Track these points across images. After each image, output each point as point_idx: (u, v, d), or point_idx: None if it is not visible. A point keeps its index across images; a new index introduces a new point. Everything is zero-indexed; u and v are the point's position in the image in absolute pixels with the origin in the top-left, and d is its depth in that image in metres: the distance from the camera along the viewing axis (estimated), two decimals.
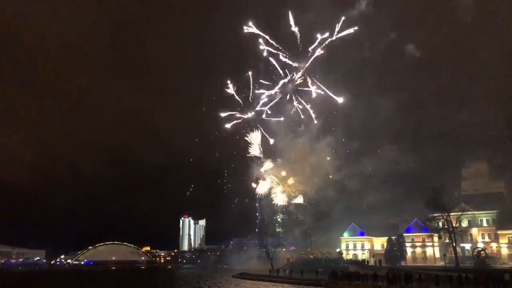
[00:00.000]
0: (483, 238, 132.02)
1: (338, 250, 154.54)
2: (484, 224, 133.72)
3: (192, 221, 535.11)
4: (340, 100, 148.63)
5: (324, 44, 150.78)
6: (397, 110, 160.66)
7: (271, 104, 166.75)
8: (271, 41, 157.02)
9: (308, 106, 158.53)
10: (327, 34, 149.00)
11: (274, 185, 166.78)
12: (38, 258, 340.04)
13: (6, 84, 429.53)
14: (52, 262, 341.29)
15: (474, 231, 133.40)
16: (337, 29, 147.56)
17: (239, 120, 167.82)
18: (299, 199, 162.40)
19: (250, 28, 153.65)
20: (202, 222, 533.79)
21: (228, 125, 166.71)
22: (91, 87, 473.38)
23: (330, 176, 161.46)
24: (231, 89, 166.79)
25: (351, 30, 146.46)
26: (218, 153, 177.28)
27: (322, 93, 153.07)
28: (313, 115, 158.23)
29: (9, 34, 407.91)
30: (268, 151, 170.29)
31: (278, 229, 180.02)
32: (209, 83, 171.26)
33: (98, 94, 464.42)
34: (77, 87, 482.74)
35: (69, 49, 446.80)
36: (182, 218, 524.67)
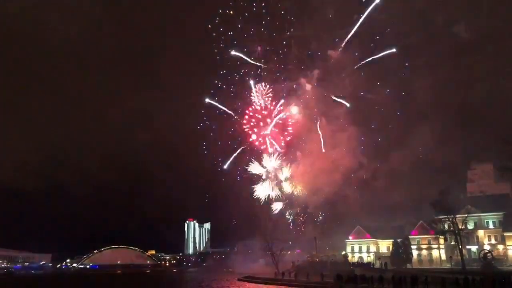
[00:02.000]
0: (489, 240, 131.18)
1: (343, 253, 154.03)
2: (491, 226, 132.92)
3: (197, 225, 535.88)
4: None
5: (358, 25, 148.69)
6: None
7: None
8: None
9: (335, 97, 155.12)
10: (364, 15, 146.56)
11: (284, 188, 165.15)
12: (44, 262, 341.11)
13: (11, 86, 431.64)
14: (58, 266, 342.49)
15: (480, 233, 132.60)
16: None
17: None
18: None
19: None
20: (207, 226, 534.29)
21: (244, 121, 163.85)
22: (96, 89, 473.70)
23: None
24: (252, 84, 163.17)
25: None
26: (226, 155, 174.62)
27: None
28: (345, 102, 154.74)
29: (13, 33, 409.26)
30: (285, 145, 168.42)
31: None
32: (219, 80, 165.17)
33: (104, 97, 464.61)
34: (82, 89, 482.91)
35: (74, 50, 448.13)
36: (187, 222, 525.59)
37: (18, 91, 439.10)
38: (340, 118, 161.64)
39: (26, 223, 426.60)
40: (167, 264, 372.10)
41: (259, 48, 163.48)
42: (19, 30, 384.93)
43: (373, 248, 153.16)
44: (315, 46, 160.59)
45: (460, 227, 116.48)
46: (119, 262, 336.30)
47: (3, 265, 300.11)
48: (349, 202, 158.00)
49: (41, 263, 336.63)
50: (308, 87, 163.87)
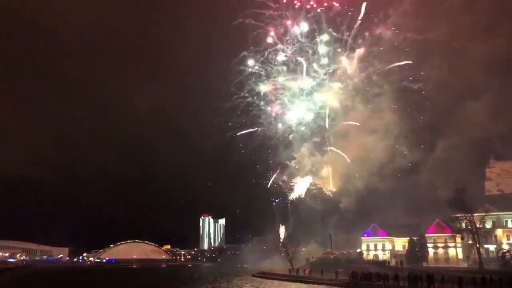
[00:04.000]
0: (508, 239, 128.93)
1: (358, 250, 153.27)
2: (509, 225, 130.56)
3: (212, 220, 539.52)
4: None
5: None
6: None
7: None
8: None
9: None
10: None
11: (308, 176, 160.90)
12: (61, 255, 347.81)
13: (27, 79, 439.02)
14: (74, 260, 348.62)
15: (499, 232, 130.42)
16: None
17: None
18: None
19: None
20: (222, 221, 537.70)
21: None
22: (114, 83, 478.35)
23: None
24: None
25: None
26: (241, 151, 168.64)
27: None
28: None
29: (29, 27, 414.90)
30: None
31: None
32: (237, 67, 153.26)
33: (121, 90, 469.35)
34: (99, 82, 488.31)
35: (91, 43, 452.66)
36: (202, 217, 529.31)
37: (33, 85, 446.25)
38: (381, 102, 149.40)
39: (45, 217, 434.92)
40: (182, 259, 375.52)
41: (293, 29, 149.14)
42: (29, 23, 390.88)
43: (388, 246, 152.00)
44: (360, 24, 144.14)
45: (477, 225, 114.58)
46: (135, 256, 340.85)
47: (22, 258, 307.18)
48: (380, 196, 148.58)
49: (59, 256, 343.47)
50: (350, 68, 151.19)
